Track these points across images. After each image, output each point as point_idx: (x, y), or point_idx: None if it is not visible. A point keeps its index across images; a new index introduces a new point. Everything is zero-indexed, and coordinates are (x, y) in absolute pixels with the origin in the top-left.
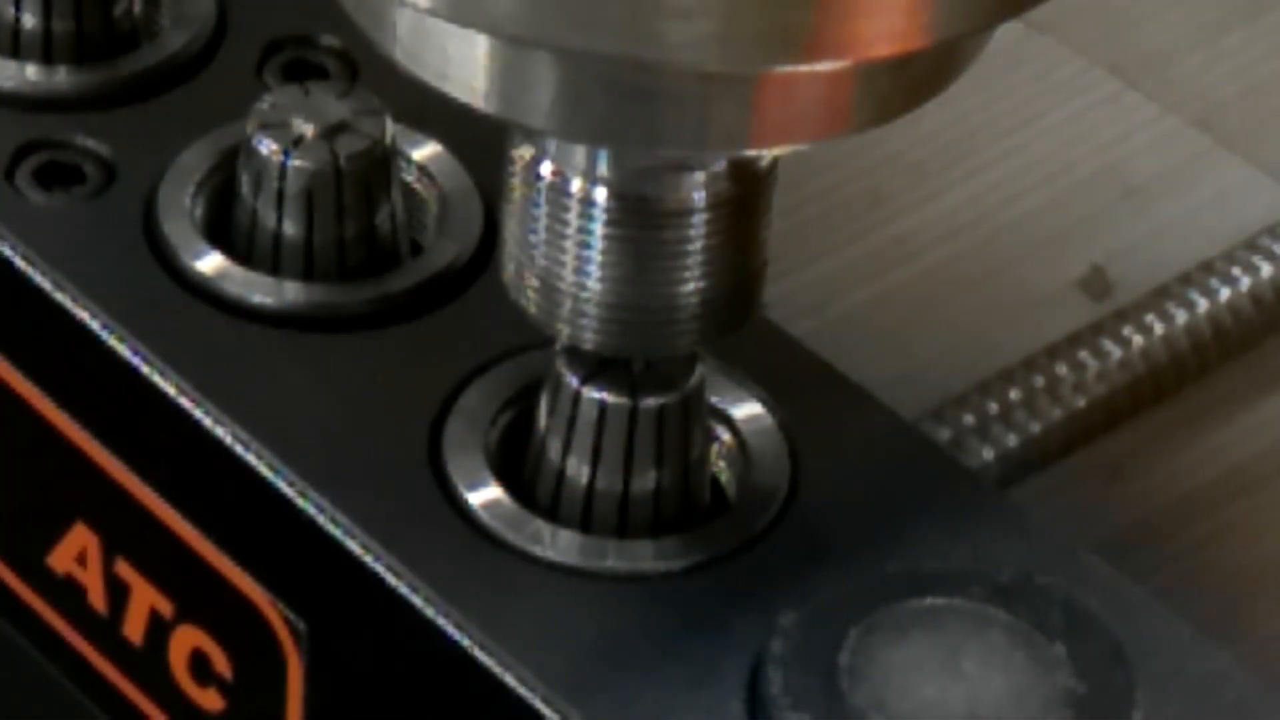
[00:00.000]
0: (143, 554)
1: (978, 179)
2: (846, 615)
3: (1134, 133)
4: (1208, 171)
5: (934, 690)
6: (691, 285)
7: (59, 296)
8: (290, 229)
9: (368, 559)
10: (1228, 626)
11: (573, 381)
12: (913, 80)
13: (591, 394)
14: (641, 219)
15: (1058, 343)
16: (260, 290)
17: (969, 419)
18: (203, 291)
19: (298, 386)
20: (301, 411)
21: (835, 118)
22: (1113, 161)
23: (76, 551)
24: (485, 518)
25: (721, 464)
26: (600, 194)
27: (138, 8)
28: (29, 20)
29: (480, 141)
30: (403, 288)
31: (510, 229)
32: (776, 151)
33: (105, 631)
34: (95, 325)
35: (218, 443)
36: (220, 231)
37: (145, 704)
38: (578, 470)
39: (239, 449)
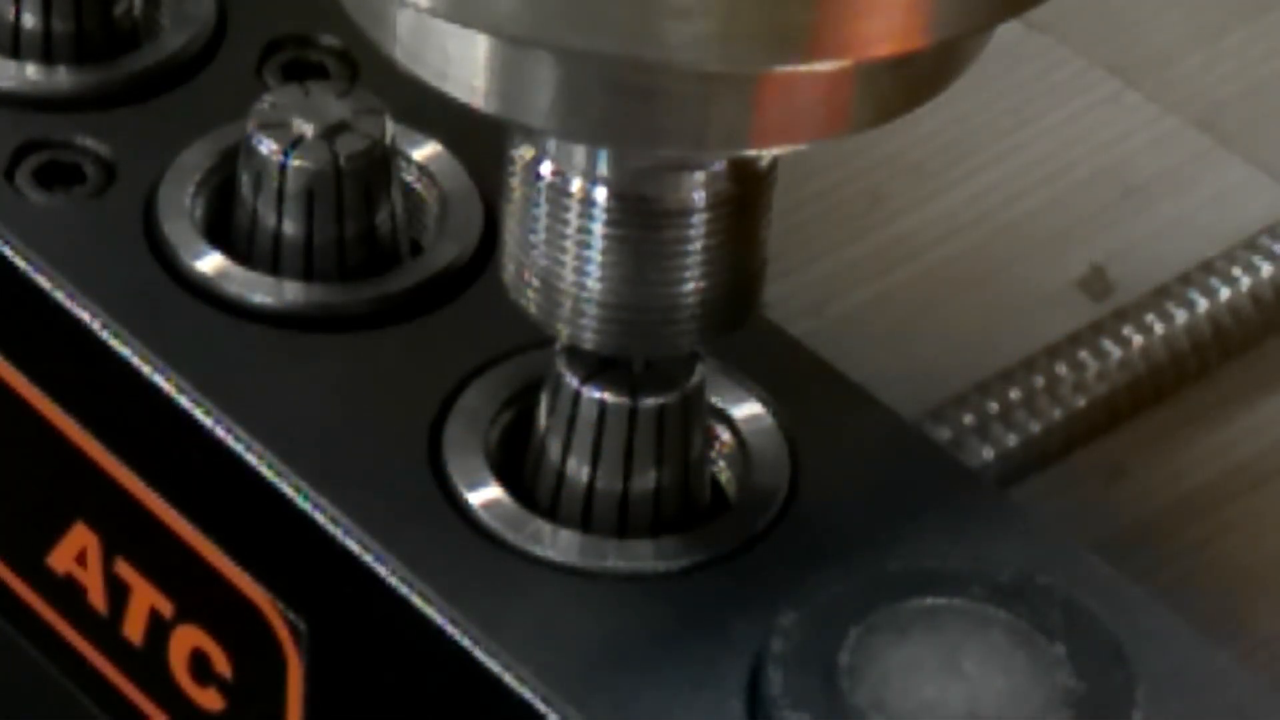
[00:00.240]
0: (143, 554)
1: (978, 179)
2: (846, 615)
3: (1134, 133)
4: (1208, 171)
5: (934, 690)
6: (691, 285)
7: (59, 296)
8: (290, 229)
9: (368, 559)
10: (1228, 626)
11: (573, 381)
12: (913, 80)
13: (591, 394)
14: (641, 219)
15: (1058, 343)
16: (260, 290)
17: (969, 419)
18: (203, 291)
19: (298, 386)
20: (301, 411)
21: (835, 118)
22: (1113, 161)
23: (76, 551)
24: (485, 518)
25: (721, 464)
26: (600, 194)
27: (138, 8)
28: (29, 20)
29: (480, 141)
30: (403, 288)
31: (510, 229)
32: (776, 151)
33: (105, 631)
34: (95, 325)
35: (218, 443)
36: (220, 231)
37: (145, 704)
38: (578, 470)
39: (239, 449)
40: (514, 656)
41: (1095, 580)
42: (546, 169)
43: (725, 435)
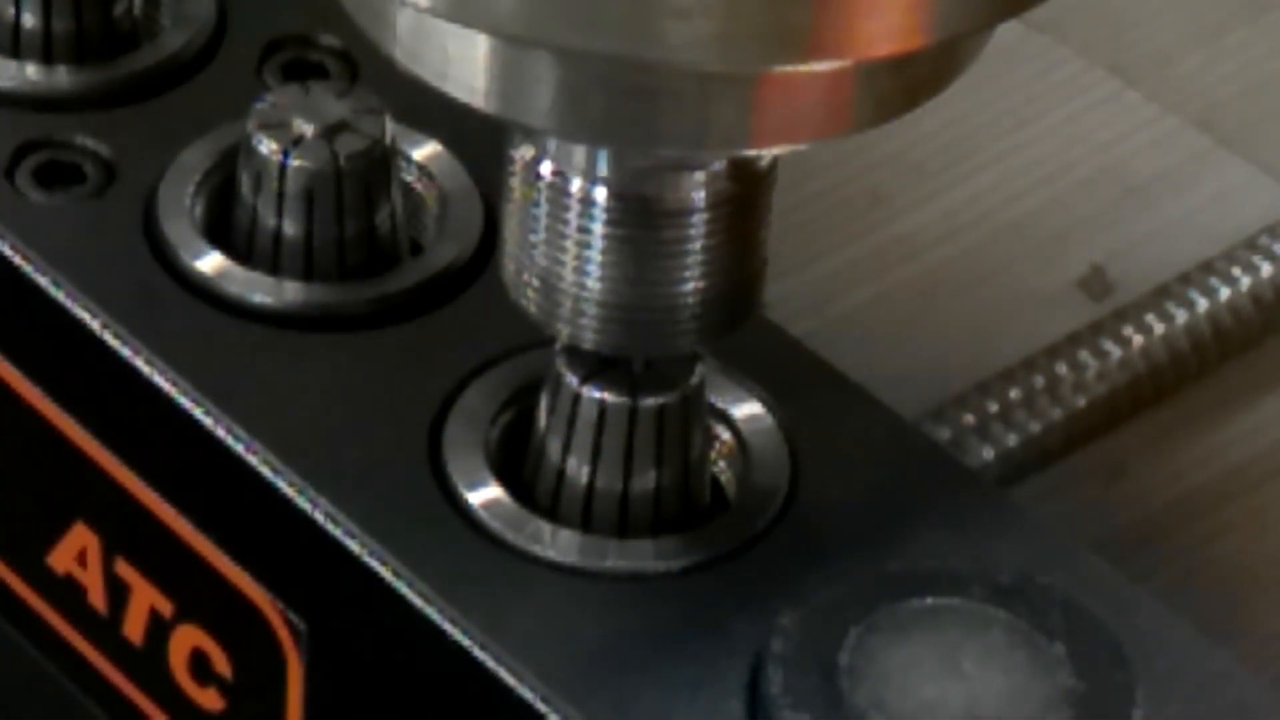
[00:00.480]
0: (143, 554)
1: (978, 179)
2: (846, 615)
3: (1134, 133)
4: (1208, 171)
5: (934, 690)
6: (691, 285)
7: (59, 296)
8: (290, 229)
9: (368, 559)
10: (1228, 626)
11: (573, 381)
12: (913, 80)
13: (591, 394)
14: (641, 219)
15: (1058, 343)
16: (260, 290)
17: (969, 419)
18: (203, 291)
19: (298, 386)
20: (301, 411)
21: (835, 118)
22: (1113, 161)
23: (76, 551)
24: (485, 517)
25: (721, 464)
26: (600, 194)
27: (138, 8)
28: (29, 20)
29: (480, 141)
30: (402, 288)
31: (510, 229)
32: (776, 151)
33: (105, 631)
34: (95, 325)
35: (218, 443)
36: (220, 231)
37: (145, 704)
38: (578, 470)
39: (239, 449)
40: (514, 656)
41: (1095, 580)
42: (546, 169)
43: (725, 435)
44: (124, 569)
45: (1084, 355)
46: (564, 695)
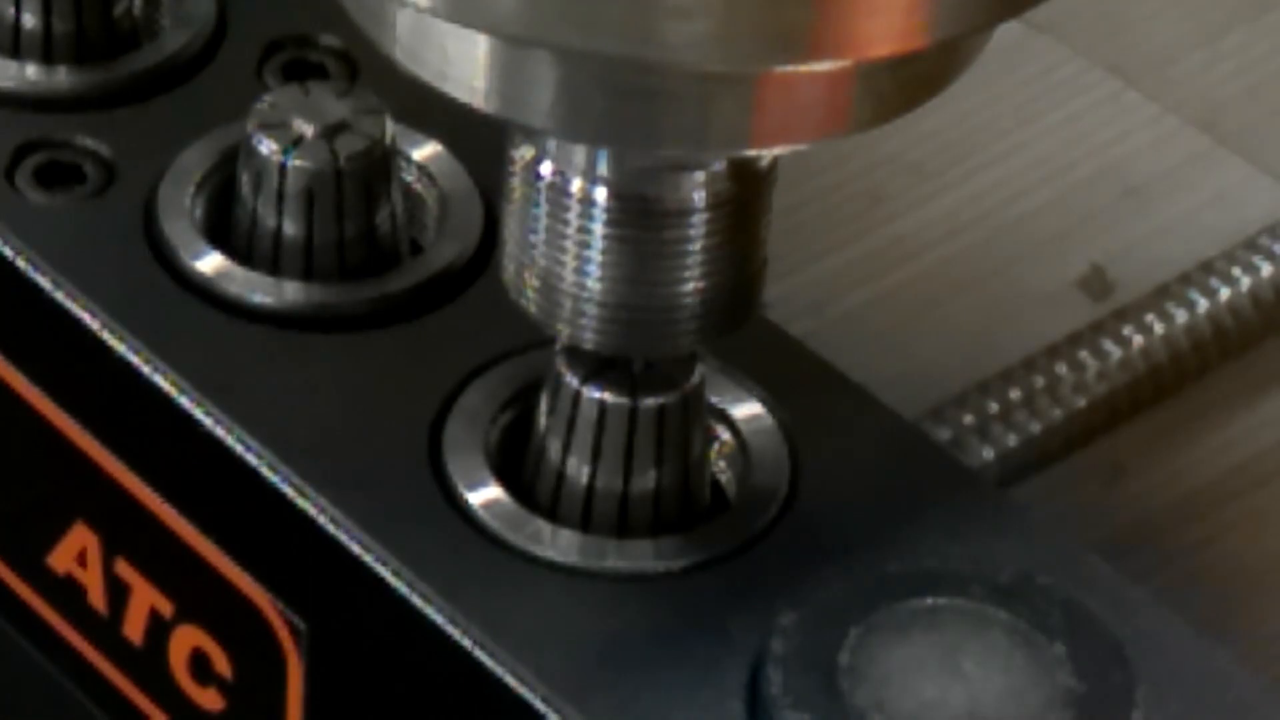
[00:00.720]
0: (143, 554)
1: (978, 179)
2: (846, 615)
3: (1134, 133)
4: (1208, 171)
5: (934, 690)
6: (691, 285)
7: (59, 296)
8: (290, 229)
9: (368, 559)
10: (1228, 626)
11: (573, 381)
12: (913, 80)
13: (591, 394)
14: (642, 219)
15: (1058, 343)
16: (260, 290)
17: (969, 419)
18: (203, 291)
19: (298, 386)
20: (301, 411)
21: (835, 118)
22: (1113, 161)
23: (76, 551)
24: (485, 518)
25: (721, 464)
26: (600, 194)
27: (138, 8)
28: (29, 20)
29: (480, 141)
30: (403, 288)
31: (510, 229)
32: (776, 151)
33: (105, 631)
34: (95, 325)
35: (218, 443)
36: (220, 231)
37: (145, 704)
38: (577, 470)
39: (239, 449)
40: (514, 656)
41: (1095, 580)
42: (546, 169)
43: (725, 435)
44: (124, 569)
45: (1084, 355)
46: (564, 695)
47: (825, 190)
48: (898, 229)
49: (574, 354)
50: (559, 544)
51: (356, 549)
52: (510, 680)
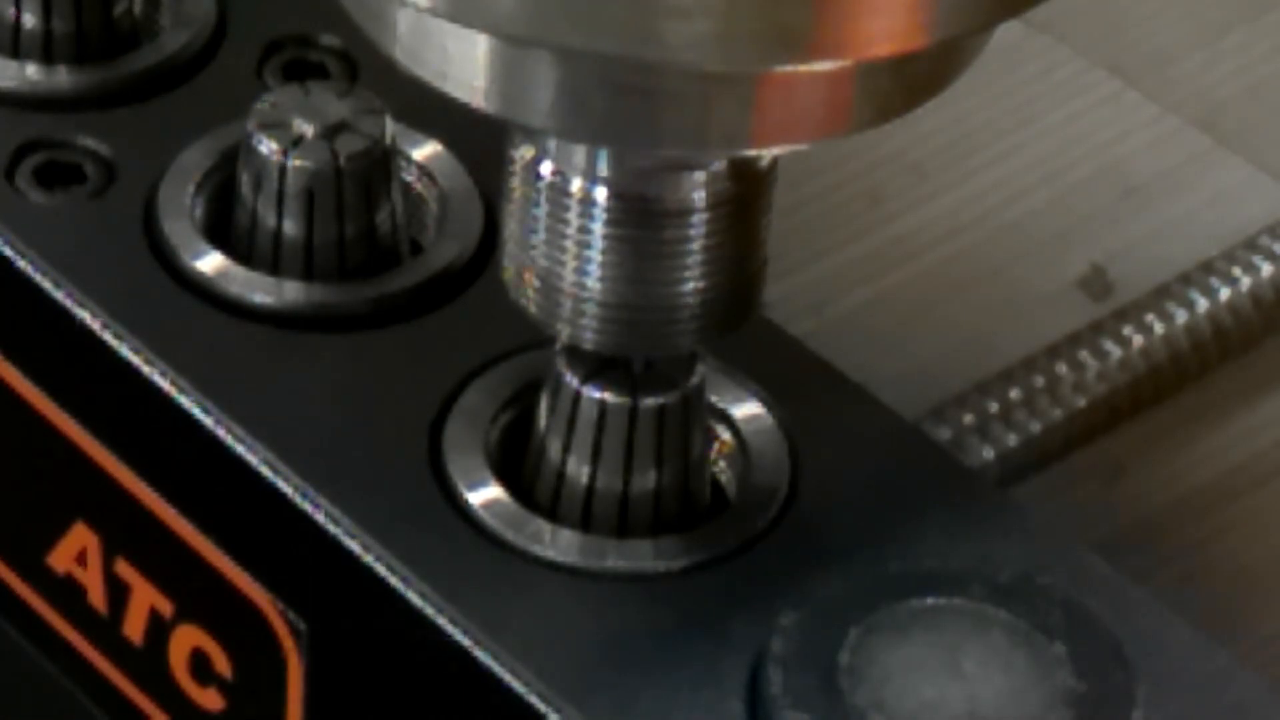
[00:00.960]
0: (143, 554)
1: (978, 179)
2: (846, 615)
3: (1134, 133)
4: (1208, 171)
5: (934, 690)
6: (692, 285)
7: (59, 296)
8: (290, 229)
9: (368, 559)
10: (1228, 626)
11: (573, 381)
12: (913, 80)
13: (591, 394)
14: (642, 219)
15: (1058, 343)
16: (260, 290)
17: (969, 419)
18: (203, 291)
19: (298, 386)
20: (301, 411)
21: (835, 118)
22: (1113, 161)
23: (76, 551)
24: (485, 518)
25: (721, 464)
26: (600, 193)
27: (138, 8)
28: (29, 20)
29: (480, 141)
30: (403, 288)
31: (510, 229)
32: (776, 151)
33: (105, 631)
34: (95, 325)
35: (218, 442)
36: (220, 231)
37: (145, 704)
38: (578, 470)
39: (239, 449)
40: (514, 656)
41: (1095, 580)
42: (546, 169)
43: (725, 435)
44: (124, 569)
45: (1084, 355)
46: (564, 695)
47: (825, 190)
48: (898, 229)
49: (574, 354)
50: (559, 544)
51: (356, 549)
52: (510, 680)
